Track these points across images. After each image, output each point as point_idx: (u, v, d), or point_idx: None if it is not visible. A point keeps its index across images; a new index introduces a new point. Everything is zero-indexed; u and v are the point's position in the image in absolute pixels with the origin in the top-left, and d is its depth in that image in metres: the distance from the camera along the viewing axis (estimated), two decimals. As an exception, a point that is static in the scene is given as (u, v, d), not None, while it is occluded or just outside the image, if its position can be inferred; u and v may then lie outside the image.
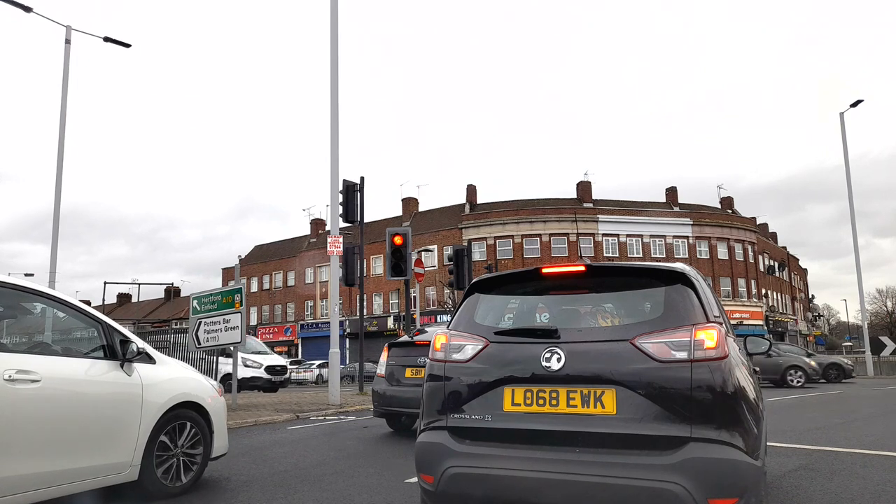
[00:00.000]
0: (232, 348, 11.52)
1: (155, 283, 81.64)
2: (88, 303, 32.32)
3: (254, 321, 60.50)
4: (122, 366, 4.22)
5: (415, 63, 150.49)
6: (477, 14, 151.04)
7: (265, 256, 65.07)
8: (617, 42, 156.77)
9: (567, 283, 3.29)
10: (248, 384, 18.50)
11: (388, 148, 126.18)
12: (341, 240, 13.90)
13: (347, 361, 43.42)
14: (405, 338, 8.68)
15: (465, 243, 39.24)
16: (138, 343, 4.37)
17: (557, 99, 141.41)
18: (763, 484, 2.95)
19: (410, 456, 3.73)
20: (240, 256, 64.68)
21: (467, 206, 52.44)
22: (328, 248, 13.77)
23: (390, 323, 50.03)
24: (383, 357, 8.04)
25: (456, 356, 3.17)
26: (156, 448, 4.38)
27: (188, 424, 4.70)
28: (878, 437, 7.56)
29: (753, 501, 2.62)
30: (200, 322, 11.41)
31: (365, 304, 21.87)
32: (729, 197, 58.26)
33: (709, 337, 2.75)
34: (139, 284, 54.67)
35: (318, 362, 40.92)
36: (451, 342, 3.23)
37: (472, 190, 53.90)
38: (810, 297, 75.21)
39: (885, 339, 33.08)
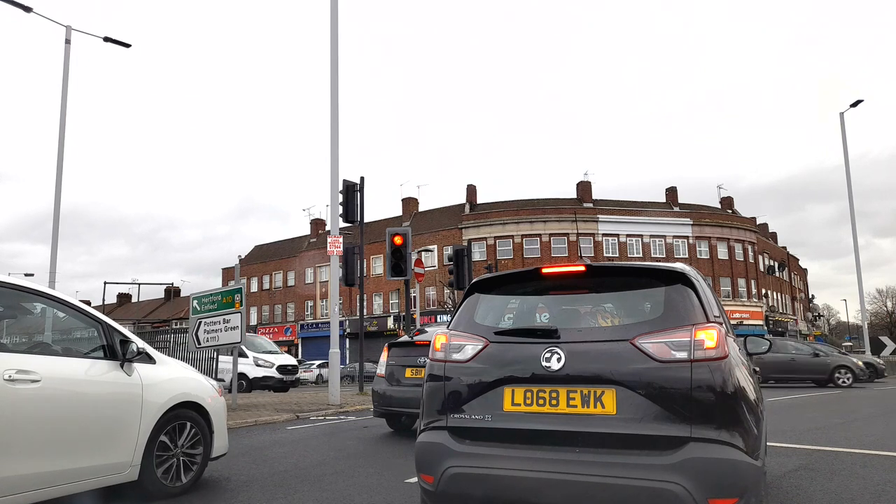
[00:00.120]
0: (232, 349, 11.53)
1: (155, 283, 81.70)
2: (88, 303, 32.32)
3: (254, 321, 60.52)
4: (122, 366, 4.22)
5: (415, 63, 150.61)
6: (477, 14, 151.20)
7: (265, 256, 65.09)
8: (617, 42, 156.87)
9: (567, 283, 3.29)
10: (259, 384, 18.56)
11: (388, 148, 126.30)
12: (341, 240, 13.90)
13: (347, 361, 43.43)
14: (405, 338, 8.68)
15: (465, 243, 39.26)
16: (138, 343, 4.37)
17: (557, 99, 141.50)
18: (763, 484, 2.95)
19: (410, 456, 3.73)
20: (240, 256, 64.75)
21: (467, 206, 52.46)
22: (328, 248, 13.77)
23: (390, 323, 50.05)
24: (383, 357, 8.04)
25: (456, 356, 3.17)
26: (156, 448, 4.38)
27: (188, 424, 4.70)
28: (878, 437, 7.57)
29: (753, 501, 2.62)
30: (200, 322, 11.42)
31: (365, 304, 21.86)
32: (729, 197, 58.35)
33: (709, 337, 2.75)
34: (139, 284, 54.78)
35: (318, 362, 41.02)
36: (451, 342, 3.23)
37: (472, 190, 53.94)
38: (810, 297, 75.20)
39: (885, 338, 33.13)
